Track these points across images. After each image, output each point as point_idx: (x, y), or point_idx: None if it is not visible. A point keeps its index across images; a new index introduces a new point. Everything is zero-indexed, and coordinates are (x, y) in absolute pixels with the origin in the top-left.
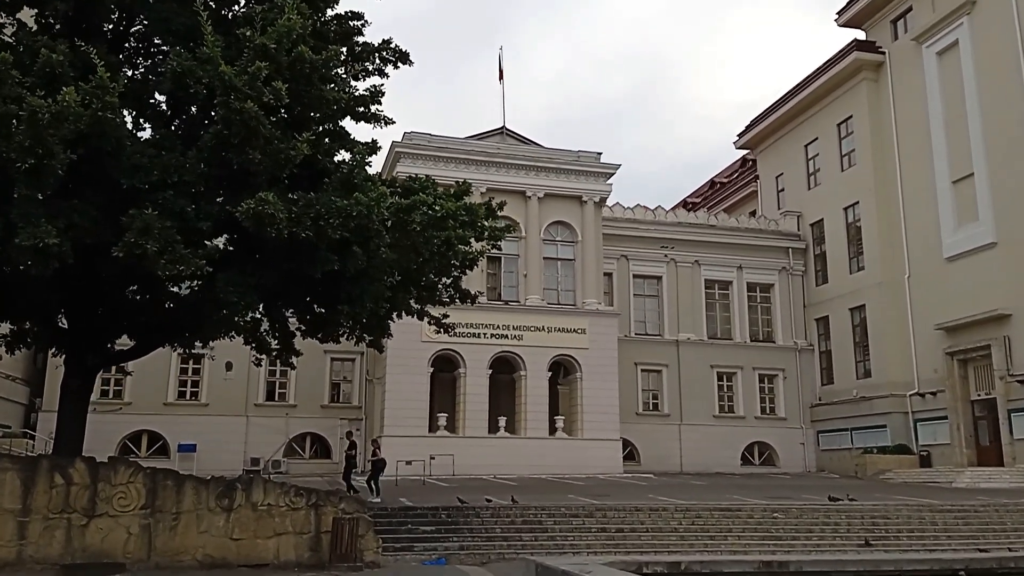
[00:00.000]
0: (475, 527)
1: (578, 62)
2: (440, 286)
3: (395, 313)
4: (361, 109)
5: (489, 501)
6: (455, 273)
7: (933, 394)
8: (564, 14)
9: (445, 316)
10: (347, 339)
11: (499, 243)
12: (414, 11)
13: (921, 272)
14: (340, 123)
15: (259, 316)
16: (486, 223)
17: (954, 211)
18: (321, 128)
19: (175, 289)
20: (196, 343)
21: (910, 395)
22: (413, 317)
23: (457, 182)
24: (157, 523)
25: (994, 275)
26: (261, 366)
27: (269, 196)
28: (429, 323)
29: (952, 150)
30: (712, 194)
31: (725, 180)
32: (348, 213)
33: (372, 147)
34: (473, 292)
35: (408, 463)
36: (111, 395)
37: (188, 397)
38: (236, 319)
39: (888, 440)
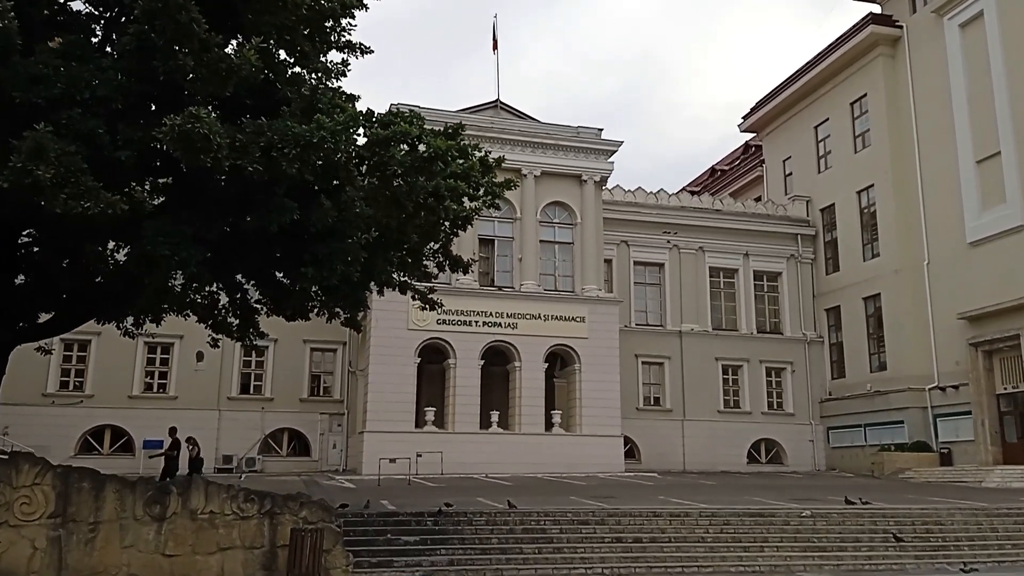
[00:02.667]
0: (467, 537)
1: (569, 63)
2: (426, 251)
3: (372, 282)
4: (329, 26)
5: (512, 506)
6: (445, 234)
7: (955, 387)
8: (556, 16)
9: (431, 291)
10: (318, 315)
11: (497, 202)
12: (404, 12)
13: (942, 258)
14: (301, 45)
15: (215, 290)
16: (481, 178)
17: (979, 193)
18: (276, 39)
19: (110, 254)
20: (143, 320)
21: (929, 389)
22: (394, 290)
23: (447, 123)
24: (70, 535)
25: (1023, 260)
26: (218, 348)
27: (201, 112)
28: (413, 298)
29: (976, 128)
30: (712, 182)
31: (726, 168)
32: (308, 141)
33: (341, 68)
34: (466, 259)
35: (392, 461)
36: (71, 387)
37: (155, 389)
38: (175, 285)
39: (905, 437)
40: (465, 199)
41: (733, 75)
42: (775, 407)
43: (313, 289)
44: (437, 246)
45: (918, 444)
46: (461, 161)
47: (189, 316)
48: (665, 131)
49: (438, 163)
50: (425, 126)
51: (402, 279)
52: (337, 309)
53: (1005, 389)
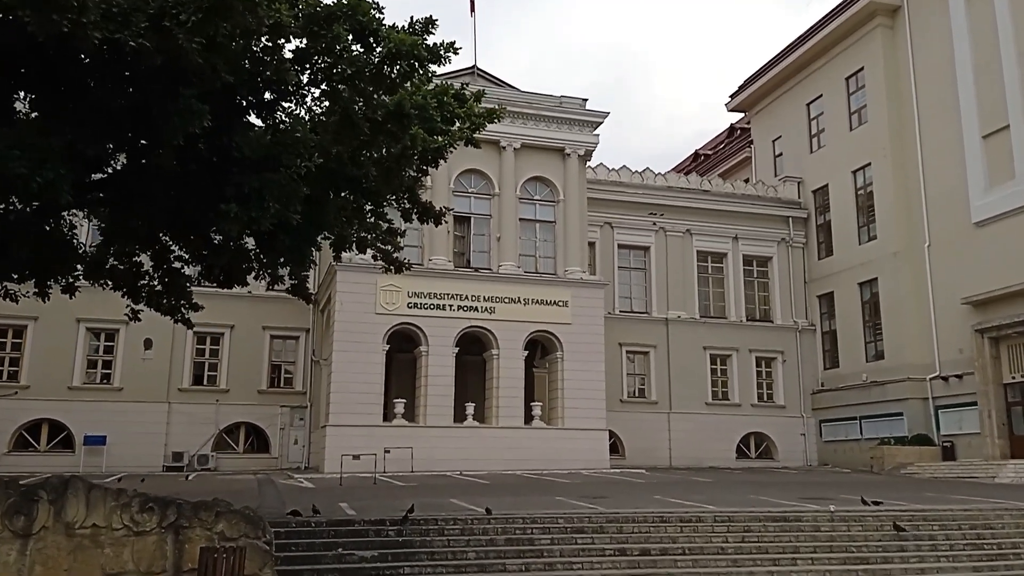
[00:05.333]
0: (438, 550)
1: (547, 57)
2: (389, 196)
3: (321, 235)
4: None
5: (489, 512)
6: (411, 174)
7: (958, 377)
8: (531, 8)
9: (398, 248)
10: (258, 277)
11: (476, 139)
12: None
13: (944, 240)
14: None
15: (133, 250)
16: (458, 106)
17: (985, 169)
18: None
19: None
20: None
21: (930, 379)
22: (351, 249)
23: (412, 17)
24: None
25: None
26: (138, 321)
27: None
28: (375, 258)
29: (983, 101)
30: (696, 167)
31: (710, 152)
32: (212, 2)
33: None
34: (438, 208)
35: (355, 458)
36: (4, 376)
37: (98, 380)
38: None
39: (905, 430)
40: (439, 124)
41: (715, 69)
42: (765, 399)
43: (245, 241)
44: (403, 189)
45: (919, 437)
46: (433, 68)
47: (107, 286)
48: (646, 125)
49: (399, 64)
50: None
51: (360, 233)
52: (280, 271)
53: (1013, 378)
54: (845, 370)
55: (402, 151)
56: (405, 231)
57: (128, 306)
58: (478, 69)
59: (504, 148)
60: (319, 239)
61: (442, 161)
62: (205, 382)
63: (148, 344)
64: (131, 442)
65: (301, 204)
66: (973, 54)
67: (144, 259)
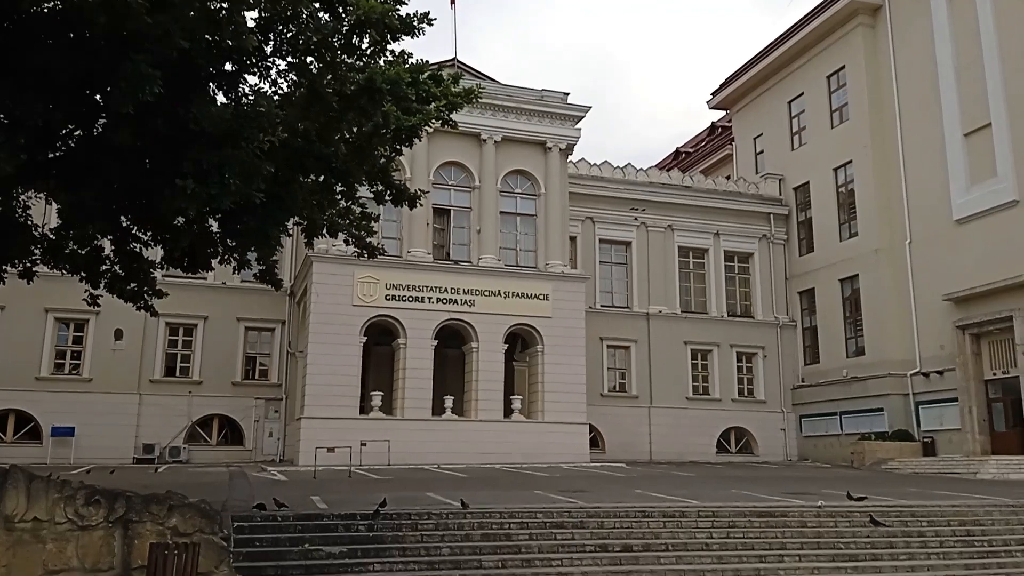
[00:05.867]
0: (410, 546)
1: (522, 58)
2: (361, 178)
3: (287, 216)
4: None
5: (466, 505)
6: (383, 153)
7: (939, 373)
8: (509, 9)
9: (371, 233)
10: (223, 261)
11: (454, 123)
12: None
13: (925, 237)
14: None
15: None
16: (434, 87)
17: (966, 167)
18: None
19: None
20: None
21: (911, 375)
22: (323, 236)
23: None
24: None
25: (1016, 237)
26: (98, 307)
27: None
28: (346, 242)
29: (965, 99)
30: (677, 164)
31: (691, 150)
32: None
33: None
34: (414, 190)
35: (330, 450)
36: None
37: (67, 370)
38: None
39: (885, 425)
40: (412, 104)
41: (693, 73)
42: (746, 394)
43: (209, 224)
44: (377, 166)
45: (899, 433)
46: (408, 48)
47: (67, 270)
48: (623, 129)
49: (370, 33)
50: None
51: (332, 218)
52: (247, 255)
53: (994, 375)
54: (825, 366)
55: (374, 129)
56: (379, 215)
57: (87, 291)
58: (458, 61)
59: (485, 141)
60: (288, 223)
61: (416, 141)
62: (178, 373)
63: (118, 334)
64: (100, 434)
65: (265, 183)
66: (955, 53)
67: (105, 244)
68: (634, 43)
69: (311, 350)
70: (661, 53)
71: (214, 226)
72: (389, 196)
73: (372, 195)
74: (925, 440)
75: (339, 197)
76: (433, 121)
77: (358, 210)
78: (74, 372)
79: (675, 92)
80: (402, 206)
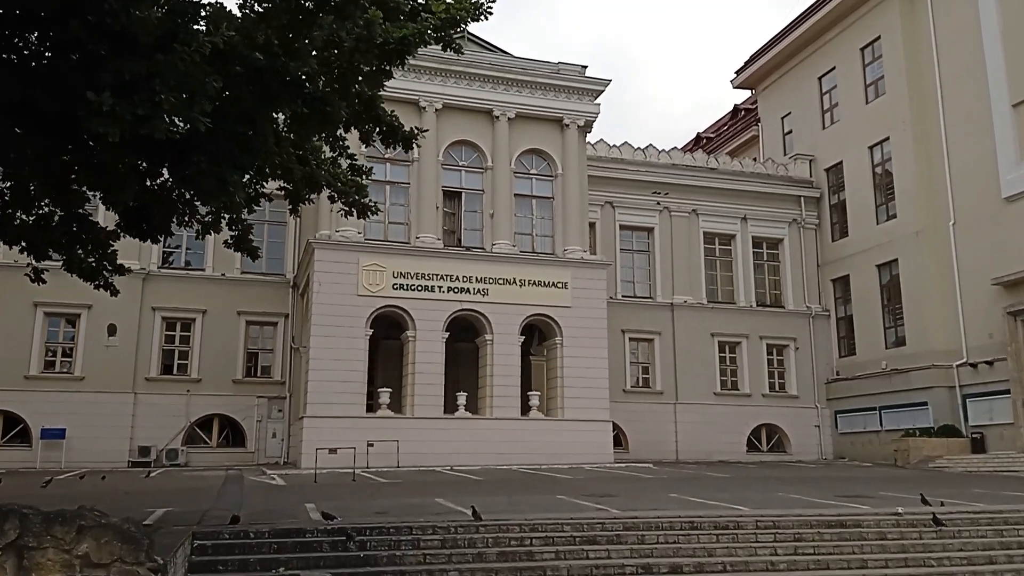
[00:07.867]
0: (409, 569)
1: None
2: (344, 109)
3: (251, 160)
4: None
5: (478, 517)
6: (370, 74)
7: (988, 363)
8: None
9: (362, 189)
10: (182, 225)
11: (457, 44)
12: None
13: (971, 217)
14: None
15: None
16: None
17: (1016, 140)
18: None
19: None
20: None
21: (957, 366)
22: (305, 196)
23: None
24: None
25: None
26: (43, 283)
27: None
28: (331, 199)
29: (1013, 66)
30: (699, 149)
31: (712, 135)
32: None
33: None
34: (409, 127)
35: (331, 452)
36: None
37: (58, 368)
38: None
39: (930, 420)
40: (401, 5)
41: (707, 66)
42: (777, 389)
43: (165, 178)
44: (359, 100)
45: (946, 428)
46: None
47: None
48: (639, 120)
49: None
50: None
51: (312, 166)
52: (207, 211)
53: None
54: (862, 357)
55: (355, 43)
56: (371, 168)
57: (29, 264)
58: (469, 33)
59: (498, 118)
60: (253, 172)
61: (409, 59)
62: (175, 371)
63: (112, 330)
64: (93, 436)
65: (212, 104)
66: (1001, 15)
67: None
68: (645, 40)
69: (314, 344)
70: (673, 49)
71: (169, 181)
72: (378, 135)
73: (359, 135)
74: (974, 436)
75: (318, 141)
76: (431, 42)
77: (345, 163)
78: (65, 370)
79: (689, 88)
80: (394, 147)
